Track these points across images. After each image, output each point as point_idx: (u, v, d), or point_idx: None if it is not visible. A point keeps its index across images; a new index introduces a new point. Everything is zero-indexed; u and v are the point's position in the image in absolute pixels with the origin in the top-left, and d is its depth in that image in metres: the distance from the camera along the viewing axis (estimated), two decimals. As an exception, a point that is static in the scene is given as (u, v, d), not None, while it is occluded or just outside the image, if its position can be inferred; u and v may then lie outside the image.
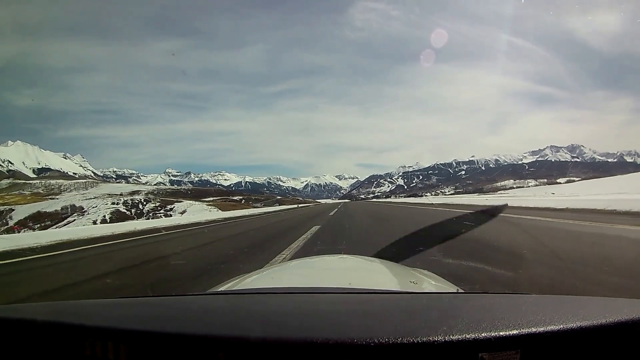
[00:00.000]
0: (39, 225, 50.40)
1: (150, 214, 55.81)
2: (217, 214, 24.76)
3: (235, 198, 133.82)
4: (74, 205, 59.81)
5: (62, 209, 58.66)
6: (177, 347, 0.58)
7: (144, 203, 60.86)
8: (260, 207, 50.60)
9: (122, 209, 58.74)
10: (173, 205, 58.32)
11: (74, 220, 53.31)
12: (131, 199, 62.83)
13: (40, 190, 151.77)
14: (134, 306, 0.92)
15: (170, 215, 52.35)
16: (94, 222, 48.30)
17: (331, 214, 18.40)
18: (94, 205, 59.10)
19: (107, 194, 73.92)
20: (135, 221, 24.83)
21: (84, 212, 57.14)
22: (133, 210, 58.50)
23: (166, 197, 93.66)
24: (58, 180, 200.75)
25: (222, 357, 0.56)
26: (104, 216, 53.45)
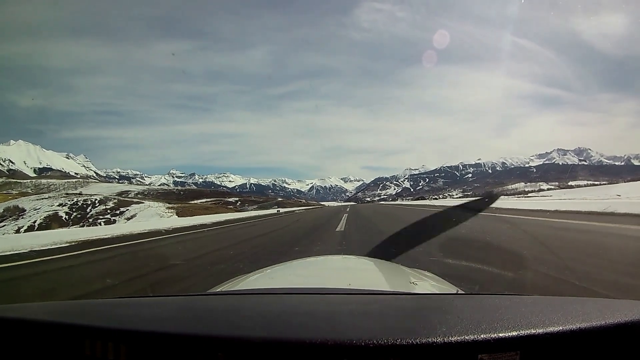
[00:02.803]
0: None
1: (90, 220, 46.95)
2: (162, 223, 17.83)
3: (230, 200, 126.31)
4: (17, 206, 51.57)
5: (4, 210, 50.50)
6: (176, 347, 0.58)
7: (96, 205, 52.09)
8: (250, 211, 42.55)
9: (62, 211, 49.71)
10: (127, 208, 49.39)
11: (4, 225, 44.93)
12: (83, 200, 53.99)
13: (29, 190, 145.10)
14: (134, 306, 0.91)
15: (114, 222, 43.09)
16: (18, 230, 39.59)
17: (338, 228, 11.04)
18: (37, 207, 50.53)
19: (65, 194, 65.47)
20: (52, 230, 17.43)
21: (22, 215, 48.60)
22: (75, 214, 49.48)
23: (157, 199, 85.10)
24: (50, 180, 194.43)
25: (222, 357, 0.56)
26: (35, 221, 44.89)
